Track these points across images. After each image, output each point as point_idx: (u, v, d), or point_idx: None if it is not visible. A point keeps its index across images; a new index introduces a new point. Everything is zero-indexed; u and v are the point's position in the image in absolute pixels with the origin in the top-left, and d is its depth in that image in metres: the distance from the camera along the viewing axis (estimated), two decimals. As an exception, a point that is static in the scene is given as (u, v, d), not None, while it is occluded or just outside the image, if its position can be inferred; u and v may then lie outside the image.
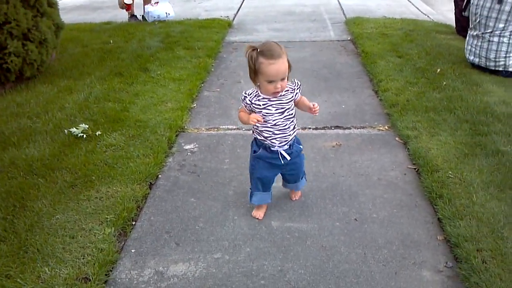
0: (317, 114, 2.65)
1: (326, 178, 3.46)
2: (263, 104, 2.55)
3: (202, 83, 5.37)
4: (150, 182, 3.44)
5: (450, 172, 3.28)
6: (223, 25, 7.78)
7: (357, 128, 4.24)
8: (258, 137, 2.68)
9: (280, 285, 2.51)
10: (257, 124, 2.57)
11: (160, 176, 3.56)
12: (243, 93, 2.58)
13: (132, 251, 2.81)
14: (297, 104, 2.67)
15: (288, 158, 2.68)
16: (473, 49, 5.17)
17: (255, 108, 2.57)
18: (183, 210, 3.16)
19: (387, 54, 5.89)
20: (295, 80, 2.60)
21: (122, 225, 2.96)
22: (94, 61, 5.91)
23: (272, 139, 2.63)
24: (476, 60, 5.14)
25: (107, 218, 2.98)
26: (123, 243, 2.87)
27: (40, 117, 4.39)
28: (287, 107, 2.58)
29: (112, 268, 2.66)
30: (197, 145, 4.01)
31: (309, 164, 3.58)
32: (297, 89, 2.61)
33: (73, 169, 3.50)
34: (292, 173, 2.88)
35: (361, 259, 2.68)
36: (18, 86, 5.18)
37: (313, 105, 2.60)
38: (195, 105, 4.82)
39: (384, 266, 2.63)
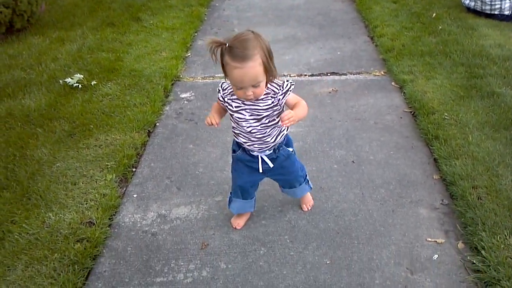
0: (285, 124, 1.90)
1: (323, 123, 3.49)
2: (235, 107, 2.02)
3: (195, 32, 5.31)
4: (149, 130, 3.46)
5: (446, 114, 3.31)
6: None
7: (353, 74, 4.24)
8: (236, 139, 2.20)
9: (280, 225, 2.57)
10: (233, 125, 2.14)
11: (158, 124, 3.57)
12: (220, 85, 2.07)
13: (134, 196, 2.85)
14: (292, 109, 1.99)
15: (271, 165, 2.21)
16: (469, -7, 5.13)
17: (228, 108, 2.06)
18: (182, 157, 3.19)
19: (382, 0, 5.81)
20: (286, 81, 1.99)
21: (123, 171, 2.99)
22: (84, 12, 5.82)
23: (249, 145, 2.14)
24: (472, 4, 5.10)
25: (107, 165, 3.01)
26: (124, 189, 2.90)
27: (34, 69, 4.35)
28: (265, 114, 2.00)
29: (115, 212, 2.71)
30: (193, 94, 4.01)
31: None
32: (281, 94, 1.97)
33: (70, 118, 3.50)
34: (281, 178, 2.41)
35: (359, 199, 2.74)
36: (9, 38, 5.11)
37: (284, 115, 1.87)
38: (189, 54, 4.78)
39: (382, 205, 2.69)
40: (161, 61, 4.39)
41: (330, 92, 3.91)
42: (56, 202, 2.69)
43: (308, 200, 2.65)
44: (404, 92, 3.78)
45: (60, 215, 2.59)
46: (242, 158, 2.25)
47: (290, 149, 2.26)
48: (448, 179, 2.78)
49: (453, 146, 2.99)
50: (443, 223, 2.55)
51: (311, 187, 2.57)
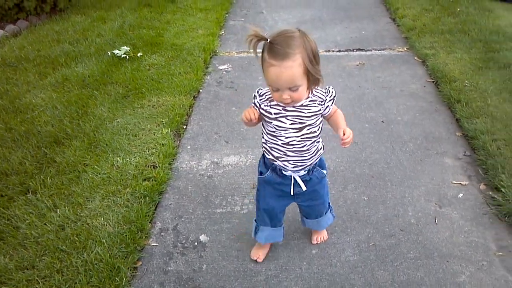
0: (346, 146, 1.82)
1: (353, 91, 3.82)
2: (275, 113, 1.81)
3: (226, 13, 5.65)
4: (194, 95, 3.79)
5: (466, 82, 3.63)
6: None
7: (378, 50, 4.57)
8: (267, 155, 1.98)
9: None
10: (265, 138, 1.94)
11: (201, 90, 3.91)
12: (256, 91, 1.88)
13: (188, 147, 3.19)
14: (328, 120, 1.95)
15: (304, 188, 2.00)
16: (486, -22, 5.45)
17: (265, 116, 1.84)
18: (227, 116, 3.53)
19: (402, -15, 6.13)
20: (330, 89, 1.86)
21: (176, 127, 3.33)
22: (120, -6, 6.16)
23: (284, 160, 1.92)
24: (489, -12, 5.42)
25: (162, 121, 3.35)
26: (178, 142, 3.25)
27: (81, 43, 4.70)
28: (309, 122, 1.82)
29: (173, 159, 3.05)
30: (230, 66, 4.35)
31: (335, 80, 3.94)
32: (329, 100, 1.84)
33: (123, 83, 3.84)
34: (310, 204, 2.16)
35: (390, 151, 3.07)
36: (53, 17, 5.46)
37: (343, 133, 1.80)
38: (223, 32, 5.13)
39: (410, 156, 3.02)
40: (198, 37, 4.73)
41: (357, 65, 4.24)
42: (121, 149, 3.03)
43: (323, 233, 2.40)
44: (426, 65, 4.10)
45: (127, 159, 2.93)
46: (272, 180, 2.01)
47: (324, 171, 2.06)
48: (469, 134, 3.11)
49: (473, 108, 3.31)
50: (466, 170, 2.88)
51: (334, 216, 2.36)
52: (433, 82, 3.88)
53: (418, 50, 4.34)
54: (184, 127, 3.40)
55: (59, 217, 2.49)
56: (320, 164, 2.04)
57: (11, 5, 5.08)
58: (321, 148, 1.98)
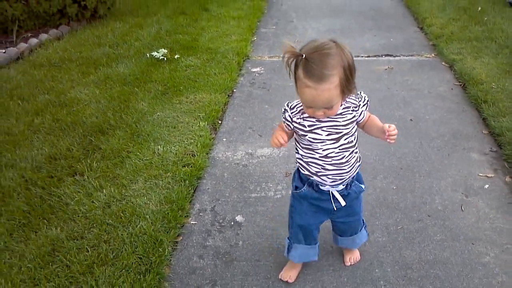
0: (393, 140, 1.76)
1: (381, 92, 3.95)
2: (309, 126, 1.74)
3: (258, 21, 5.87)
4: (228, 94, 3.97)
5: (493, 84, 3.74)
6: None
7: (406, 56, 4.70)
8: (302, 171, 1.89)
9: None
10: (300, 153, 1.86)
11: (235, 90, 4.09)
12: (285, 105, 1.81)
13: (224, 139, 3.36)
14: (363, 127, 1.87)
15: (343, 203, 1.90)
16: (513, -11, 5.56)
17: (298, 129, 1.77)
18: (260, 113, 3.69)
19: (429, -4, 6.29)
20: (361, 94, 1.79)
21: (212, 121, 3.51)
22: (156, 3, 6.46)
23: (322, 175, 1.83)
24: (515, -1, 5.53)
25: (199, 115, 3.53)
26: (214, 134, 3.42)
27: (120, 46, 4.95)
28: (345, 131, 1.75)
29: (210, 150, 3.22)
30: (263, 69, 4.53)
31: (365, 83, 4.07)
32: (363, 105, 1.77)
33: (161, 82, 4.05)
34: (346, 221, 2.07)
35: (418, 146, 3.19)
36: (93, 23, 5.74)
37: (389, 126, 1.74)
38: (255, 38, 5.33)
39: (438, 151, 3.13)
40: (232, 42, 4.94)
41: (386, 69, 4.37)
42: (162, 139, 3.22)
43: (356, 253, 2.29)
44: (454, 70, 4.22)
45: (167, 147, 3.12)
46: (308, 195, 1.91)
47: (363, 186, 1.98)
48: (496, 131, 3.21)
49: (500, 107, 3.42)
50: (492, 164, 2.98)
51: (368, 234, 2.27)
52: (460, 85, 3.99)
53: (445, 56, 4.46)
54: (220, 122, 3.57)
55: (105, 196, 2.67)
56: (358, 178, 1.94)
57: (54, 11, 5.37)
58: (359, 159, 1.90)
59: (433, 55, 4.64)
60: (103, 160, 2.99)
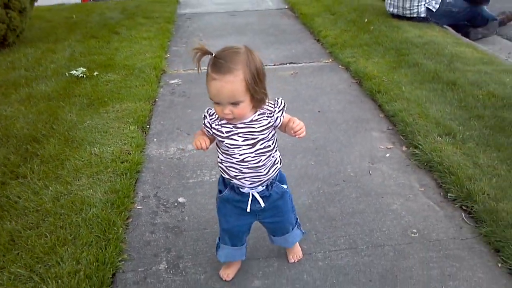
0: (301, 134, 1.84)
1: (290, 92, 4.43)
2: (226, 132, 1.81)
3: (168, 41, 6.20)
4: (152, 102, 4.26)
5: (384, 78, 4.36)
6: (172, 1, 8.61)
7: (308, 63, 5.26)
8: (224, 175, 1.96)
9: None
10: (220, 157, 1.93)
11: (157, 99, 4.39)
12: (205, 111, 1.87)
13: (154, 140, 3.64)
14: (283, 129, 1.90)
15: (262, 204, 1.98)
16: (393, 2, 6.37)
17: (217, 135, 1.85)
18: (184, 117, 4.02)
19: (321, 14, 7.00)
20: (278, 99, 1.86)
21: (141, 125, 3.77)
22: (65, 30, 6.57)
23: (241, 178, 1.90)
24: (395, 10, 6.35)
25: (128, 121, 3.78)
26: (145, 137, 3.68)
27: (37, 68, 5.06)
28: (261, 137, 1.82)
29: (143, 149, 3.48)
30: (180, 80, 4.87)
31: (274, 86, 4.54)
32: (279, 111, 1.83)
33: (85, 95, 4.25)
34: (274, 221, 2.11)
35: (327, 131, 3.67)
36: (2, 51, 5.76)
37: (293, 123, 1.82)
38: (168, 55, 5.66)
39: (345, 132, 3.63)
40: (147, 59, 5.23)
41: (291, 74, 4.89)
42: (96, 142, 3.43)
43: (297, 251, 2.35)
44: (350, 70, 4.82)
45: (103, 148, 3.33)
46: (230, 198, 1.99)
47: (285, 186, 2.05)
48: (390, 114, 3.77)
49: (391, 95, 4.01)
50: (390, 139, 3.52)
51: (303, 232, 2.33)
52: (356, 82, 4.58)
53: (341, 59, 5.06)
54: (148, 126, 3.85)
55: (52, 192, 2.85)
56: (280, 180, 2.02)
57: (-40, 39, 5.35)
58: (277, 162, 1.96)
59: (330, 60, 5.23)
60: (42, 164, 3.15)
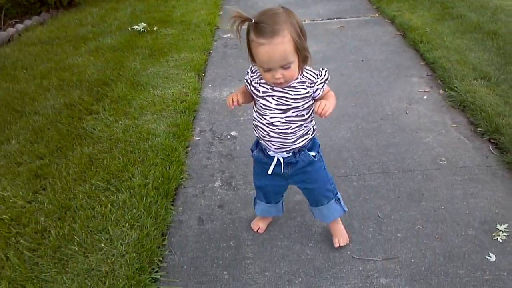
0: (324, 114, 1.67)
1: (336, 44, 4.68)
2: (262, 92, 1.77)
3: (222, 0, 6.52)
4: (206, 54, 4.62)
5: (427, 29, 4.53)
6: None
7: (354, 17, 5.46)
8: (254, 133, 1.93)
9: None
10: (254, 115, 1.89)
11: (211, 51, 4.74)
12: (250, 67, 1.84)
13: (209, 85, 4.01)
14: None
15: (281, 171, 1.94)
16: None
17: (254, 93, 1.81)
18: (236, 66, 4.36)
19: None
20: (322, 70, 1.77)
21: (197, 73, 4.14)
22: (126, -10, 7.00)
23: (267, 140, 1.87)
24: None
25: (185, 68, 4.16)
26: (201, 82, 4.06)
27: (102, 25, 5.51)
28: (295, 105, 1.75)
29: (199, 92, 3.85)
30: (233, 35, 5.15)
31: (321, 39, 4.80)
32: (320, 83, 1.75)
33: (147, 47, 4.66)
34: (305, 187, 2.08)
35: (369, 77, 3.92)
36: (70, 10, 6.27)
37: (319, 105, 1.67)
38: (221, 12, 5.99)
39: (386, 78, 3.88)
40: (202, 16, 5.58)
41: (338, 28, 5.12)
42: (158, 86, 3.83)
43: (342, 234, 2.24)
44: (395, 23, 5.00)
45: (164, 91, 3.73)
46: (259, 159, 1.99)
47: (312, 154, 1.93)
48: (430, 61, 3.98)
49: (433, 44, 4.20)
50: (428, 83, 3.74)
51: (344, 210, 2.19)
52: (400, 34, 4.77)
53: (387, 14, 5.24)
54: (203, 74, 4.21)
55: (121, 125, 3.27)
56: (311, 147, 1.94)
57: (35, 0, 5.88)
58: (310, 132, 1.89)
59: (377, 14, 5.42)
60: (112, 103, 3.58)
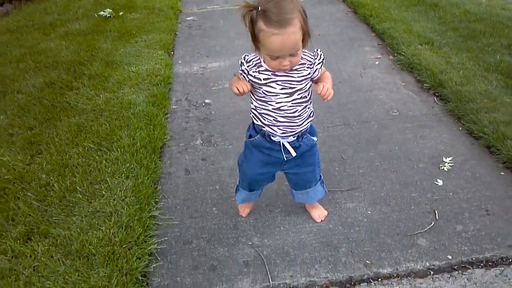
0: (326, 98, 1.75)
1: (294, 22, 5.05)
2: (264, 79, 1.77)
3: (182, -15, 6.78)
4: (173, 34, 4.90)
5: (375, 4, 4.96)
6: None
7: (308, -2, 5.86)
8: (255, 122, 1.92)
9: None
10: (255, 104, 1.88)
11: (177, 32, 5.02)
12: (242, 58, 1.82)
13: (179, 62, 4.30)
14: (316, 83, 1.85)
15: (294, 154, 1.94)
16: None
17: (254, 82, 1.79)
18: (202, 44, 4.66)
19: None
20: (317, 51, 1.85)
21: (167, 50, 4.42)
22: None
23: (274, 126, 1.87)
24: None
25: (155, 47, 4.43)
26: (171, 59, 4.34)
27: (67, 13, 5.68)
28: (299, 87, 1.78)
29: (171, 68, 4.14)
30: (195, 17, 5.49)
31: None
32: (318, 63, 1.82)
33: (115, 30, 4.89)
34: (297, 172, 2.08)
35: (326, 48, 4.30)
36: (33, 1, 6.38)
37: (322, 87, 1.74)
38: (182, -2, 6.27)
39: (341, 49, 4.27)
40: (164, 1, 5.84)
41: (294, 7, 5.48)
42: (132, 63, 4.09)
43: (321, 209, 2.35)
44: (346, 1, 5.42)
45: (138, 67, 4.00)
46: (260, 144, 1.95)
47: (315, 139, 1.99)
48: (380, 31, 4.40)
49: (381, 17, 4.63)
50: (379, 51, 4.16)
51: (326, 191, 2.28)
52: (352, 11, 5.19)
53: (339, -7, 5.65)
54: (172, 52, 4.50)
55: (103, 98, 3.52)
56: (311, 131, 1.97)
57: (-3, -9, 5.99)
58: (312, 115, 1.93)
59: (329, -6, 5.82)
60: (90, 80, 3.82)
